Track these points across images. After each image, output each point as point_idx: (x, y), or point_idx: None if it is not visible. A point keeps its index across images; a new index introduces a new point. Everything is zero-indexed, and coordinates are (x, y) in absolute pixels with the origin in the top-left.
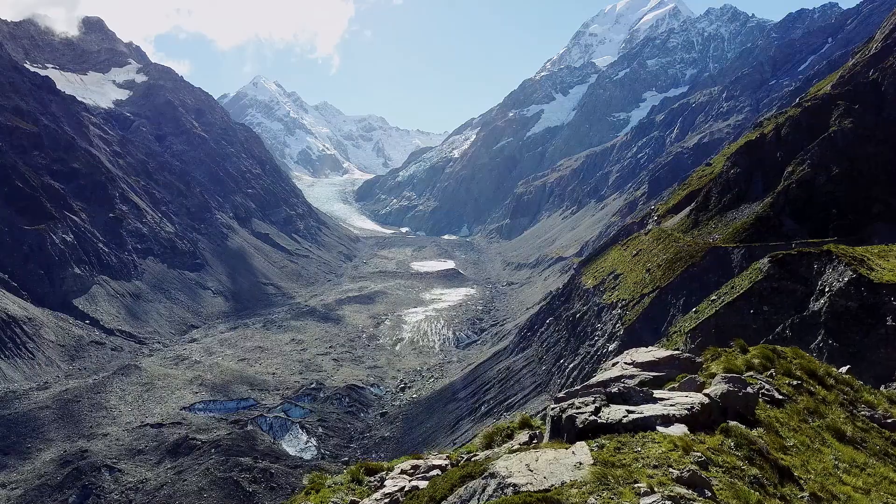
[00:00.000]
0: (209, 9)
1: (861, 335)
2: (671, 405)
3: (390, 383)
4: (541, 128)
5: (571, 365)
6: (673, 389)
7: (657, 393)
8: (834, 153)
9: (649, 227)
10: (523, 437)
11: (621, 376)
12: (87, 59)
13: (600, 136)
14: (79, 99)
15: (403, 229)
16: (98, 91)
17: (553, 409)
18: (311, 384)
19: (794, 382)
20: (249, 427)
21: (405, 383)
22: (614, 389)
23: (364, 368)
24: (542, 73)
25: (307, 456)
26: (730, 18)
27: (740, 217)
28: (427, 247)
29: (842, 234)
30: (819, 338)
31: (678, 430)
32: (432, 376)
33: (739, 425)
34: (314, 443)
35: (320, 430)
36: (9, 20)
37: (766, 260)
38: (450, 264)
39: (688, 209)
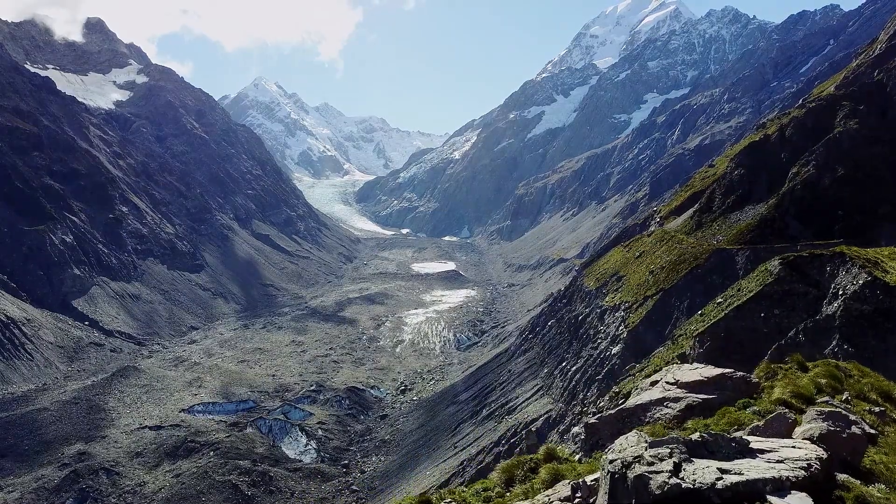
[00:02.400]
0: (216, 11)
1: (877, 340)
2: (778, 461)
3: (391, 385)
4: (542, 129)
5: (574, 368)
6: (756, 430)
7: (753, 440)
8: (839, 154)
9: (652, 228)
10: (563, 489)
11: (664, 399)
12: (87, 59)
13: (601, 137)
14: (79, 100)
15: (404, 231)
16: (98, 92)
17: (613, 462)
18: (312, 386)
19: (876, 409)
20: (249, 429)
21: (406, 385)
22: (695, 437)
23: (364, 370)
24: (543, 75)
25: (307, 459)
26: (731, 20)
27: (744, 219)
28: (428, 248)
29: (848, 235)
30: (834, 342)
31: (799, 503)
32: (433, 378)
33: (856, 482)
34: (314, 445)
35: (320, 432)
36: (9, 21)
37: (776, 262)
38: (450, 266)
39: (691, 210)
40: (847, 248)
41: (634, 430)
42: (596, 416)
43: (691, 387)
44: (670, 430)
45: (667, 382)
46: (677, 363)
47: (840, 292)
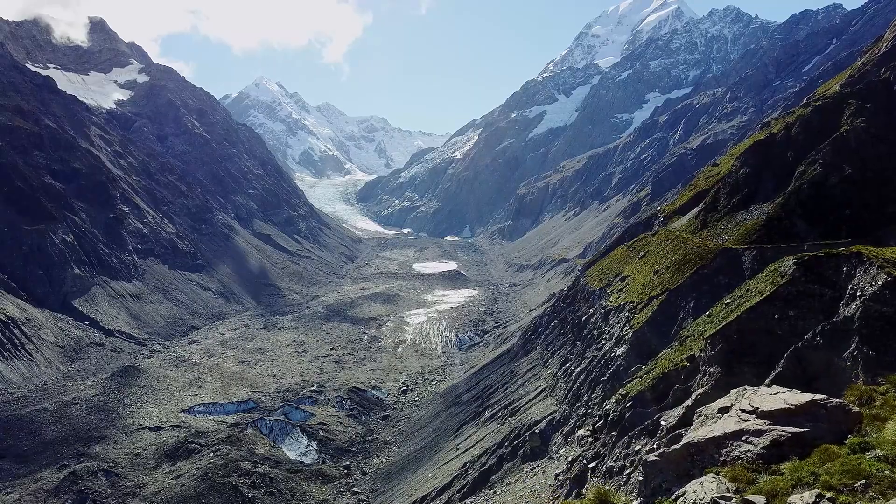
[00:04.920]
0: (225, 13)
1: None
2: None
3: (392, 386)
4: (543, 129)
5: (578, 369)
6: None
7: None
8: (846, 153)
9: (656, 228)
10: None
11: (742, 432)
12: (88, 59)
13: (603, 137)
14: (80, 99)
15: (405, 230)
16: (100, 91)
17: None
18: (313, 386)
19: None
20: (249, 430)
21: (407, 386)
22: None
23: (366, 370)
24: (545, 74)
25: (308, 460)
26: (733, 19)
27: (750, 218)
28: (429, 248)
29: (855, 235)
30: (853, 346)
31: None
32: (434, 379)
33: None
34: (315, 446)
35: (321, 433)
36: (10, 20)
37: (790, 262)
38: (452, 265)
39: (696, 210)
40: (864, 247)
41: (711, 474)
42: (657, 453)
43: (775, 417)
44: (756, 473)
45: (742, 410)
46: (751, 387)
47: (858, 293)
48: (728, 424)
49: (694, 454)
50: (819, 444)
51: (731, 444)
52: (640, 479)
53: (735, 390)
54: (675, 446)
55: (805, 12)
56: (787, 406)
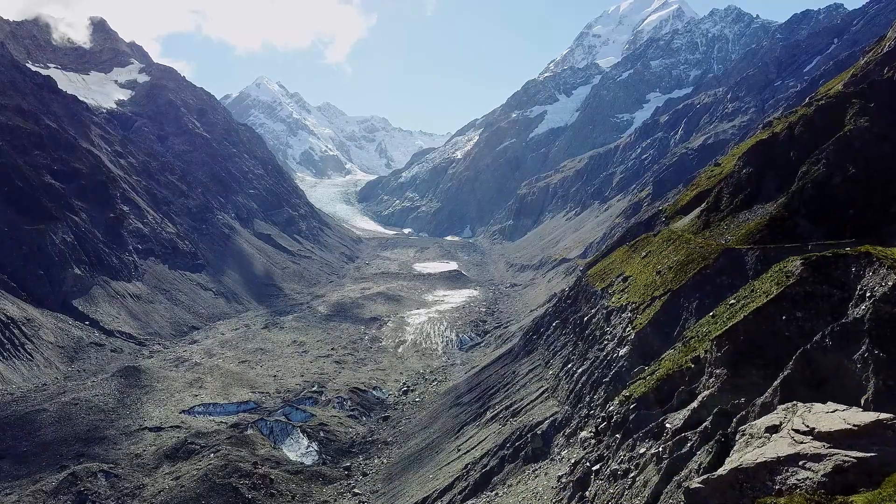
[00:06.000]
0: (228, 13)
1: None
2: None
3: (393, 386)
4: (544, 129)
5: (580, 370)
6: None
7: None
8: (850, 152)
9: (657, 228)
10: None
11: (797, 456)
12: (89, 59)
13: (604, 137)
14: (80, 99)
15: (406, 230)
16: (100, 91)
17: None
18: (313, 387)
19: None
20: (249, 431)
21: (408, 386)
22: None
23: (366, 371)
24: (546, 74)
25: (308, 461)
26: (734, 19)
27: (753, 218)
28: (430, 248)
29: (859, 235)
30: (863, 347)
31: None
32: (435, 379)
33: None
34: (315, 447)
35: (322, 434)
36: (11, 20)
37: (797, 262)
38: (452, 265)
39: (698, 210)
40: (872, 247)
41: None
42: (701, 479)
43: (836, 439)
44: None
45: (795, 430)
46: (803, 403)
47: (868, 294)
48: (780, 447)
49: (743, 481)
50: (889, 471)
51: (787, 470)
52: None
53: (783, 406)
54: (721, 472)
55: (806, 12)
56: (849, 426)
